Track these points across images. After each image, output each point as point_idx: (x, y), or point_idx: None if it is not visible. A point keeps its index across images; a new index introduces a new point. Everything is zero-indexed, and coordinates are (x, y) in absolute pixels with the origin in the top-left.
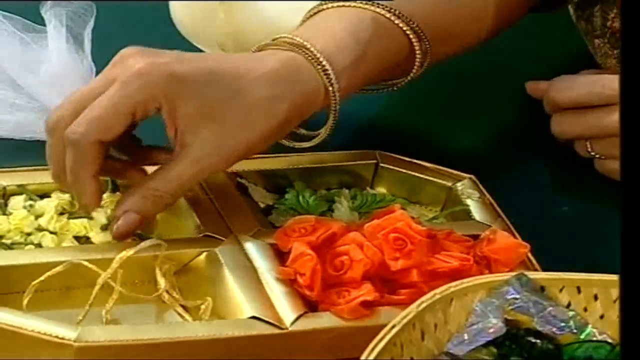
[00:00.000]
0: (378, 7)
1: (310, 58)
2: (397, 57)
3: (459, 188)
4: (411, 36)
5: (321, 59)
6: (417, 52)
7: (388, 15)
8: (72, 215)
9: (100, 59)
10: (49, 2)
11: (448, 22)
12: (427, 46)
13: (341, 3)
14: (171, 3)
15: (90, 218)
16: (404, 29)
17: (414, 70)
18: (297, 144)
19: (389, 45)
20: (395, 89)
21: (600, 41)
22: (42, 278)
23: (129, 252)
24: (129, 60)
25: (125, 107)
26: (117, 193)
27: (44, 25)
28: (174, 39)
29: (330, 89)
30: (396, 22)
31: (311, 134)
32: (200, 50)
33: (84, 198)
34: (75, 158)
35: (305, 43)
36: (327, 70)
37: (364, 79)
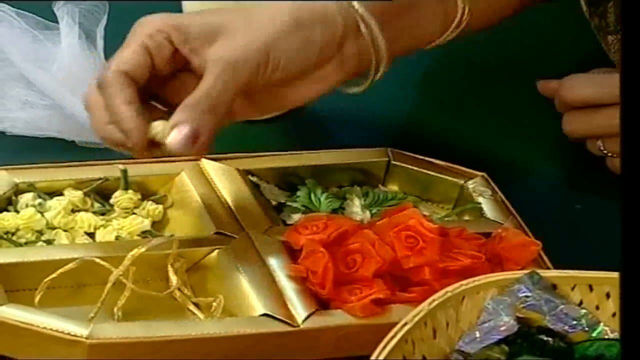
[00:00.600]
0: None
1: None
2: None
3: (471, 186)
4: None
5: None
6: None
7: None
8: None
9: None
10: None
11: None
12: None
13: None
14: (184, 3)
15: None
16: None
17: (456, 19)
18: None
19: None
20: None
21: (613, 37)
22: (54, 275)
23: (141, 249)
24: None
25: (135, 42)
26: (129, 191)
27: (57, 22)
28: None
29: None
30: None
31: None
32: None
33: (128, 131)
34: (106, 92)
35: None
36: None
37: (405, 22)
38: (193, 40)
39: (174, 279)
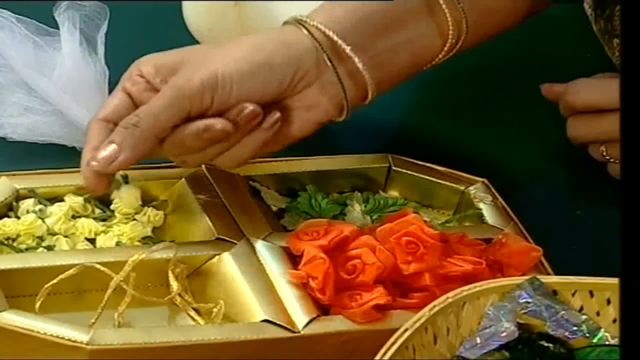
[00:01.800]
0: None
1: (306, 30)
2: (413, 14)
3: (472, 192)
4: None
5: (321, 28)
6: (446, 10)
7: None
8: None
9: (114, 62)
10: (63, 4)
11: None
12: (459, 7)
13: None
14: (184, 6)
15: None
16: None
17: (449, 38)
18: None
19: (413, 5)
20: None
21: (619, 41)
22: (55, 281)
23: (142, 255)
24: None
25: (118, 87)
26: (129, 185)
27: (57, 28)
28: (187, 42)
29: (324, 51)
30: None
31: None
32: None
33: (87, 174)
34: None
35: (306, 19)
36: (327, 34)
37: (386, 44)
38: (161, 72)
39: (174, 284)
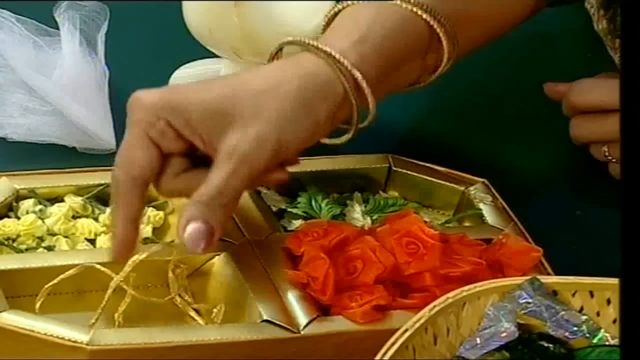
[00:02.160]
0: (408, 3)
1: (336, 67)
2: (421, 49)
3: (472, 192)
4: (436, 27)
5: (349, 67)
6: (443, 39)
7: (411, 7)
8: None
9: (114, 63)
10: (63, 4)
11: (462, 7)
12: (454, 37)
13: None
14: (184, 8)
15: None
16: (428, 20)
17: (443, 62)
18: (328, 141)
19: (415, 39)
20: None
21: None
22: (55, 281)
23: (141, 255)
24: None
25: (140, 136)
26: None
27: (57, 28)
28: (187, 43)
29: (354, 96)
30: (419, 13)
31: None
32: (215, 55)
33: (114, 242)
34: (115, 198)
35: (329, 50)
36: (356, 77)
37: (392, 79)
38: (196, 125)
39: (174, 285)
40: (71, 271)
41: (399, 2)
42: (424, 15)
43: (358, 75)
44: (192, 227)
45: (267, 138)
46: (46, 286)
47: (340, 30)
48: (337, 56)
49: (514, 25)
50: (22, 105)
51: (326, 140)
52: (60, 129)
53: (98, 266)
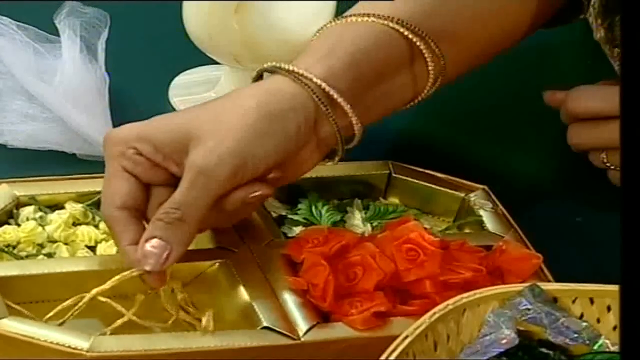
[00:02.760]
0: (383, 19)
1: (301, 81)
2: (402, 63)
3: (472, 199)
4: (415, 40)
5: (314, 80)
6: (425, 52)
7: (387, 22)
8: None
9: (114, 69)
10: (64, 11)
11: (444, 23)
12: (438, 52)
13: (347, 18)
14: (185, 14)
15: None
16: (406, 34)
17: (430, 76)
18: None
19: (392, 53)
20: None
21: (620, 50)
22: (106, 286)
23: (134, 272)
24: None
25: (114, 167)
26: None
27: (58, 35)
28: (187, 49)
29: (326, 107)
30: (396, 27)
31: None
32: (215, 62)
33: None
34: (112, 231)
35: (293, 67)
36: (324, 88)
37: (376, 94)
38: (162, 148)
39: (171, 302)
40: (81, 303)
41: (373, 18)
42: (401, 30)
43: (324, 85)
44: (147, 245)
45: (225, 151)
46: (94, 290)
47: (309, 50)
48: (301, 71)
49: (507, 43)
50: (23, 112)
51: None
52: (60, 135)
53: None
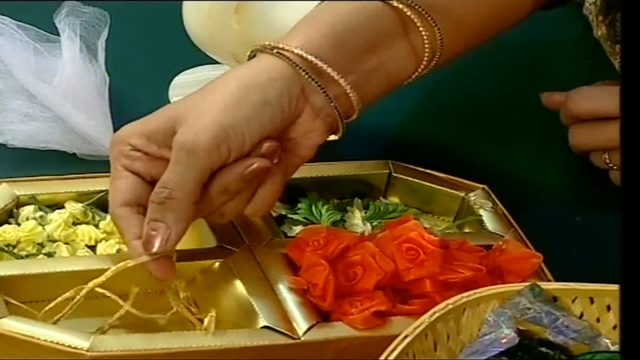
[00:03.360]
0: None
1: (278, 52)
2: (393, 34)
3: (472, 198)
4: (405, 10)
5: (292, 49)
6: (421, 28)
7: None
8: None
9: (114, 69)
10: (63, 11)
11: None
12: (431, 22)
13: None
14: (185, 14)
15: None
16: (396, 5)
17: (426, 48)
18: None
19: (379, 23)
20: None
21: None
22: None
23: (129, 263)
24: None
25: (118, 168)
26: None
27: (58, 35)
28: (187, 49)
29: (310, 76)
30: (392, 2)
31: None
32: (215, 61)
33: (151, 267)
34: (118, 228)
35: (269, 43)
36: (305, 57)
37: (369, 65)
38: (154, 138)
39: (175, 299)
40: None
41: None
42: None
43: (302, 53)
44: (145, 228)
45: (205, 124)
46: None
47: (291, 29)
48: (280, 45)
49: (505, 21)
50: (23, 111)
51: None
52: (60, 135)
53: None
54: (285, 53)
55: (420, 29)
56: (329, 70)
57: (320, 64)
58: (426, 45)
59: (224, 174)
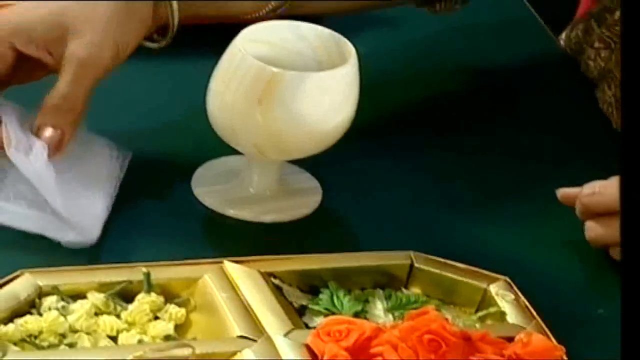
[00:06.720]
0: None
1: None
2: None
3: (494, 289)
4: None
5: None
6: None
7: None
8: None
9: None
10: None
11: None
12: None
13: None
14: (209, 108)
15: None
16: None
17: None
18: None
19: None
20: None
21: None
22: None
23: (148, 353)
24: None
25: None
26: (152, 294)
27: None
28: (213, 141)
29: None
30: None
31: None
32: (238, 152)
33: None
34: None
35: None
36: None
37: None
38: (39, 39)
39: None
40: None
41: None
42: None
43: None
44: (46, 133)
45: (103, 42)
46: None
47: None
48: None
49: None
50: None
51: (146, 43)
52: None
53: None
54: None
55: None
56: None
57: None
58: None
59: None
